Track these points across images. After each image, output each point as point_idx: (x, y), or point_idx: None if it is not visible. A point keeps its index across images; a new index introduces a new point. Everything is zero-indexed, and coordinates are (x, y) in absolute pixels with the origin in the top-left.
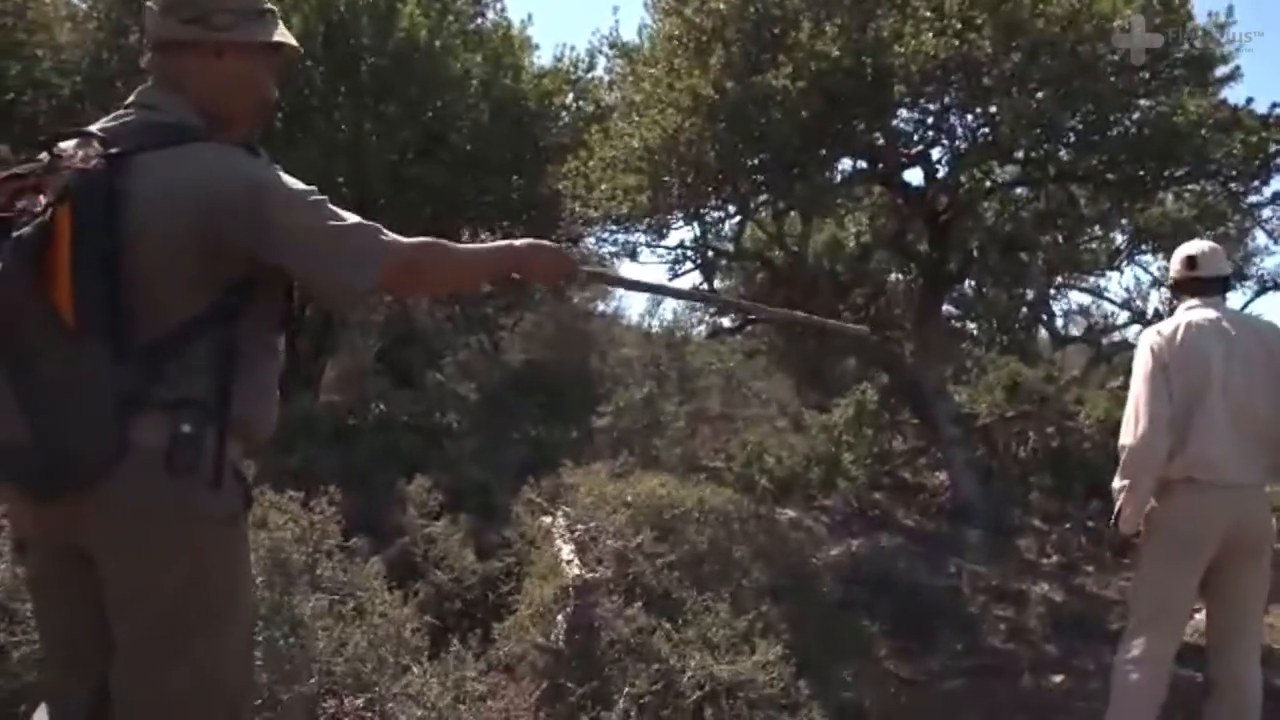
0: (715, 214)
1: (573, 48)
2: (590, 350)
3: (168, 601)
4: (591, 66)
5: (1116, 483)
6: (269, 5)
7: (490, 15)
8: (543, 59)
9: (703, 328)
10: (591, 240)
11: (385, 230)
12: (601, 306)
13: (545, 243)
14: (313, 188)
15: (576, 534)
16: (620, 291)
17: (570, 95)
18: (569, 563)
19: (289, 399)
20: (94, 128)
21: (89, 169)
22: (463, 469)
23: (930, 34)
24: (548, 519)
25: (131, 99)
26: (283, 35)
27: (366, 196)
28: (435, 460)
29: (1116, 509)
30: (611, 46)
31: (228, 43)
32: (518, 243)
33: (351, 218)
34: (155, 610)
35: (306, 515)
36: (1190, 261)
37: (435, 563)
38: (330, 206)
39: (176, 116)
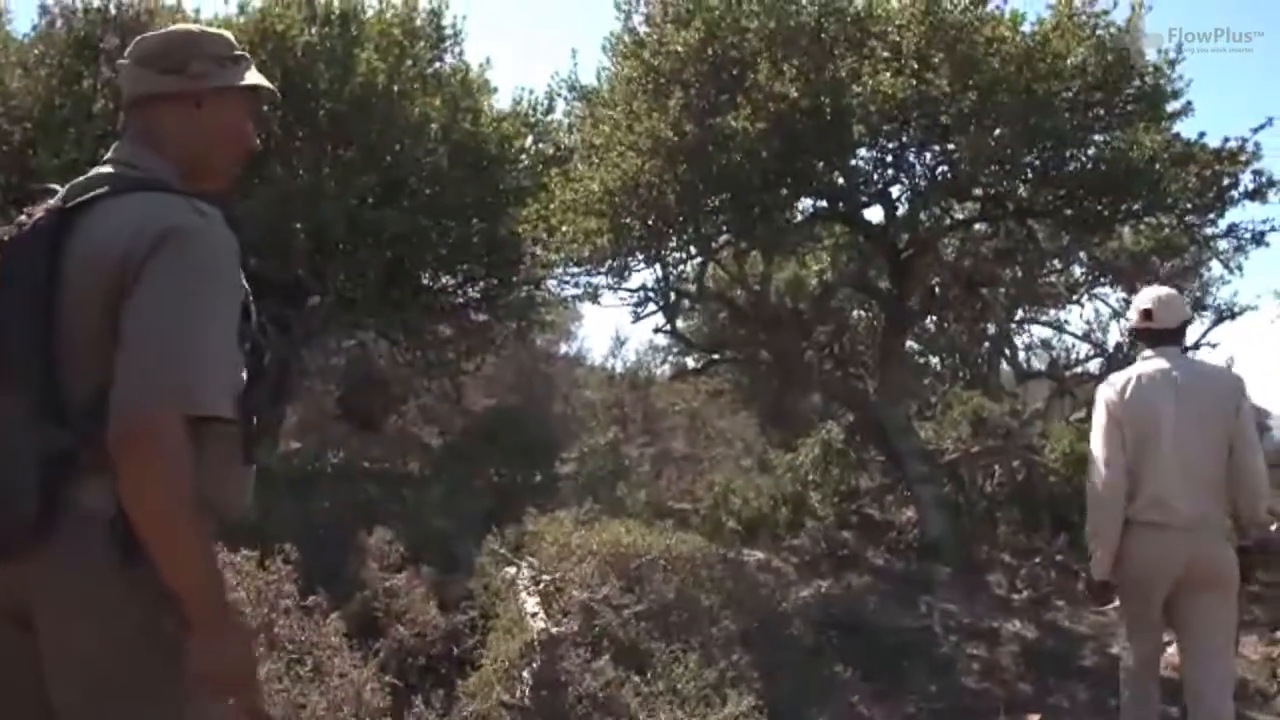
0: (677, 255)
1: (531, 91)
2: (553, 393)
3: (110, 667)
4: (550, 109)
5: (1088, 529)
6: (241, 50)
7: (449, 59)
8: (501, 102)
9: (666, 368)
10: (553, 283)
11: (225, 404)
12: (564, 348)
13: (248, 664)
14: (221, 284)
15: (541, 585)
16: (582, 333)
17: (530, 138)
18: (534, 615)
19: None
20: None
21: (27, 221)
22: (425, 518)
23: (888, 74)
24: (512, 569)
25: (109, 154)
26: (257, 78)
27: (324, 242)
28: (397, 509)
29: (1091, 555)
30: (570, 89)
31: (207, 91)
32: (235, 633)
33: (217, 349)
34: (97, 676)
35: (262, 574)
36: (1146, 314)
37: (397, 617)
38: (208, 318)
39: (150, 173)
